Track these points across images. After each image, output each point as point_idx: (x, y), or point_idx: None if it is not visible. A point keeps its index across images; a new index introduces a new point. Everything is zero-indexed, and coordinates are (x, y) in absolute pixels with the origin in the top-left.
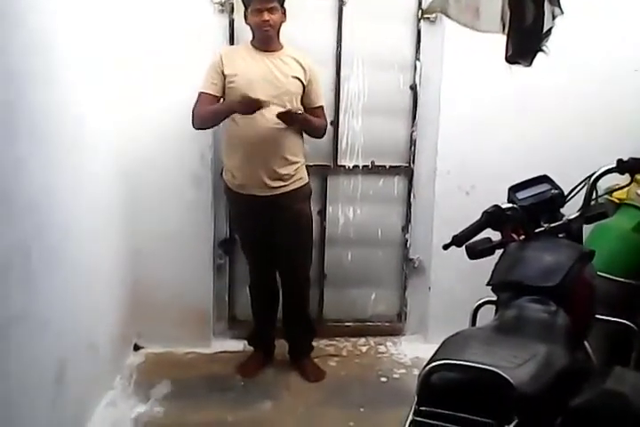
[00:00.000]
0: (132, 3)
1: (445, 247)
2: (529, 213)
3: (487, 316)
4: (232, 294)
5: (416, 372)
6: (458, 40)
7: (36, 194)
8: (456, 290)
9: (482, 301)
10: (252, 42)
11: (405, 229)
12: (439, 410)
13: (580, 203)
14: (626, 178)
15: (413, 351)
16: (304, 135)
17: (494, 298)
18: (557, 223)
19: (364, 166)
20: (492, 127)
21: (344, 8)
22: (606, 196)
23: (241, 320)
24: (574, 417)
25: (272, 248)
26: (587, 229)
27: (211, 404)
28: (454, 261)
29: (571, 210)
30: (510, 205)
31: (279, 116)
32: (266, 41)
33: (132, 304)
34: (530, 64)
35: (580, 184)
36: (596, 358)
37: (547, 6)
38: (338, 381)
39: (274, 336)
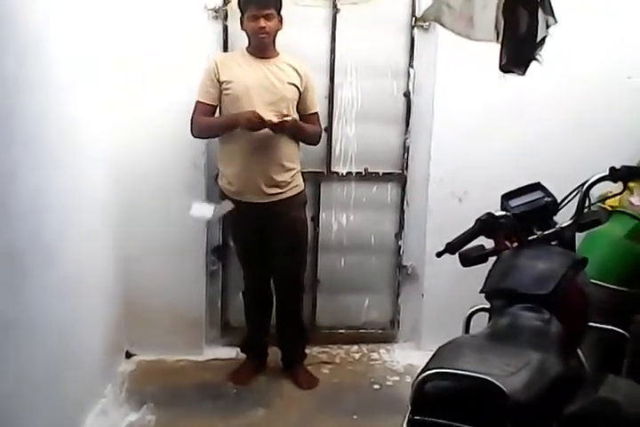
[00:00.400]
0: (121, 10)
1: (439, 255)
2: (522, 221)
3: (480, 323)
4: (225, 301)
5: (409, 379)
6: (451, 48)
7: (30, 199)
8: (449, 297)
9: (475, 308)
10: (247, 48)
11: (398, 235)
12: (433, 419)
13: (573, 210)
14: (618, 186)
15: (406, 358)
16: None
17: (487, 305)
18: (550, 231)
19: (357, 173)
20: (485, 134)
21: (338, 16)
22: (599, 203)
23: (234, 327)
24: (568, 425)
25: (267, 254)
26: (579, 237)
27: (203, 412)
28: (447, 269)
29: (564, 217)
30: (503, 212)
31: (271, 127)
32: (262, 48)
33: (123, 311)
34: (524, 73)
35: (572, 192)
36: (589, 366)
37: (540, 15)
38: (331, 388)
39: (267, 343)
